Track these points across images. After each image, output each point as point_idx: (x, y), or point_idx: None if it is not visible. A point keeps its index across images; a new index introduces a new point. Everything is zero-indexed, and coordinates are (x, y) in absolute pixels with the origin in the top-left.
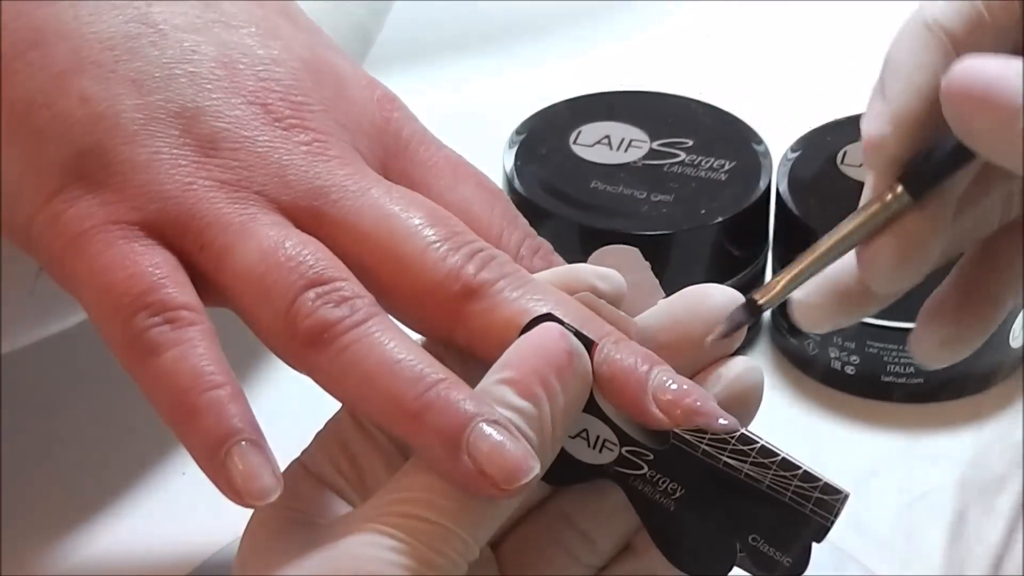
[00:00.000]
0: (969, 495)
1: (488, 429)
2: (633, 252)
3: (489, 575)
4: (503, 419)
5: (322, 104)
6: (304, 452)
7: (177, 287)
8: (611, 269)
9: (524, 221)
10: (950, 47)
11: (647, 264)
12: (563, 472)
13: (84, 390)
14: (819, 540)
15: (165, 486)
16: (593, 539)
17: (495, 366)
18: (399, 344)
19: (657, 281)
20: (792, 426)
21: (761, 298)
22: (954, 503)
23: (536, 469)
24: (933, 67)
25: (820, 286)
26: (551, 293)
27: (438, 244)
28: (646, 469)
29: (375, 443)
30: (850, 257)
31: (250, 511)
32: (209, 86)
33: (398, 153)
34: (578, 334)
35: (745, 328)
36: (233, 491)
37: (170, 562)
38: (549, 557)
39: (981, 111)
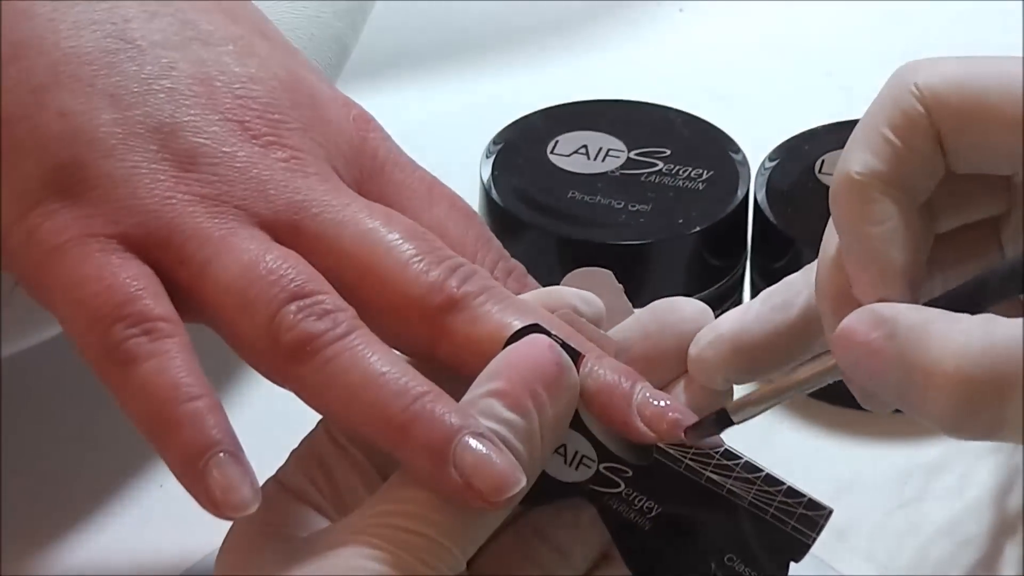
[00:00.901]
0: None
1: (474, 442)
2: (606, 275)
3: None
4: (488, 432)
5: (299, 123)
6: (280, 469)
7: (154, 299)
8: (592, 294)
9: (498, 243)
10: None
11: (620, 287)
12: (537, 491)
13: (57, 405)
14: (798, 559)
15: (142, 499)
16: (567, 553)
17: (481, 377)
18: (382, 357)
19: (630, 304)
20: (771, 435)
21: (735, 414)
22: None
23: (523, 481)
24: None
25: (714, 343)
26: (534, 308)
27: (418, 258)
28: (623, 487)
29: (351, 459)
30: (745, 313)
31: (227, 525)
32: (187, 102)
33: (373, 174)
34: (565, 346)
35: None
36: (211, 503)
37: (148, 574)
38: (523, 573)
39: (865, 378)
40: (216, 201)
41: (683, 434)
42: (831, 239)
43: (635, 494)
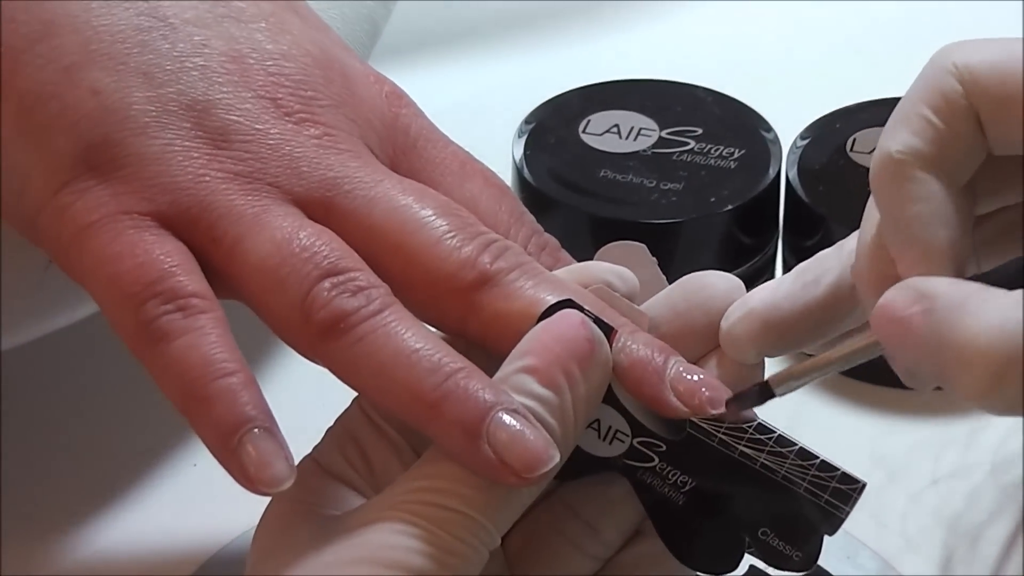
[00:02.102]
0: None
1: (507, 418)
2: (640, 248)
3: (495, 571)
4: (522, 408)
5: (331, 100)
6: (315, 448)
7: (188, 275)
8: (626, 269)
9: (531, 218)
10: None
11: (654, 260)
12: (571, 466)
13: (96, 382)
14: (831, 533)
15: (177, 478)
16: (599, 530)
17: (514, 353)
18: (416, 334)
19: (664, 277)
20: (801, 412)
21: (777, 387)
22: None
23: (556, 458)
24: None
25: (745, 318)
26: (566, 284)
27: (451, 235)
28: (656, 461)
29: (386, 438)
30: (776, 288)
31: (263, 502)
32: (220, 80)
33: (406, 150)
34: (598, 321)
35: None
36: (246, 479)
37: (183, 554)
38: (555, 549)
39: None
40: (249, 179)
41: (724, 407)
42: (870, 220)
43: (669, 468)
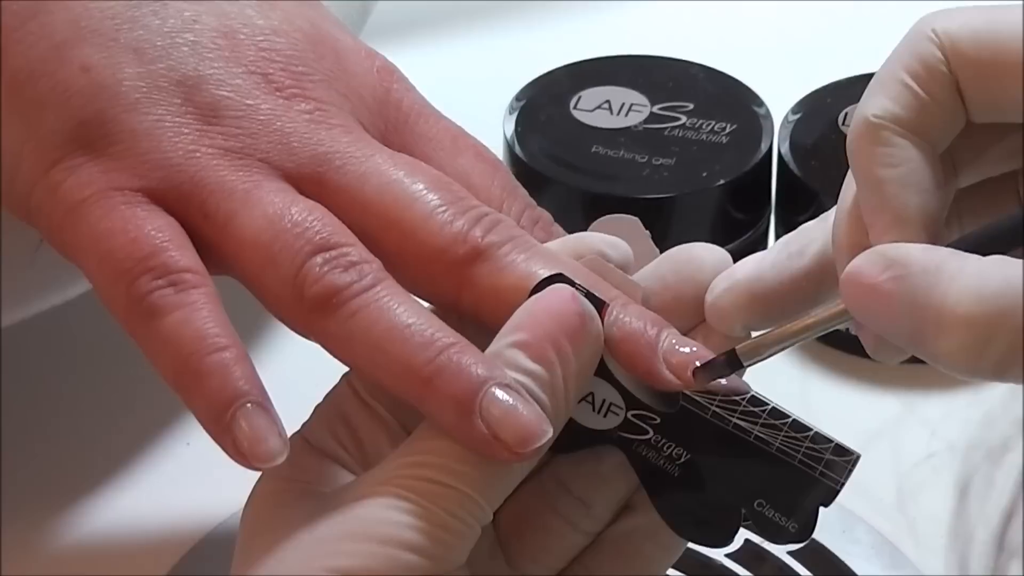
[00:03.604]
0: (972, 467)
1: (500, 393)
2: (633, 221)
3: (486, 547)
4: (515, 383)
5: (323, 75)
6: (304, 425)
7: (180, 250)
8: (619, 239)
9: (524, 192)
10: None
11: (647, 233)
12: (566, 439)
13: (89, 361)
14: (827, 504)
15: (170, 457)
16: (589, 504)
17: (505, 328)
18: (408, 309)
19: (657, 250)
20: (792, 387)
21: (744, 357)
22: (961, 465)
23: (549, 433)
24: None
25: (730, 290)
26: (559, 257)
27: (443, 209)
28: (651, 434)
29: (375, 415)
30: (761, 261)
31: (254, 482)
32: (210, 55)
33: (398, 125)
34: (589, 295)
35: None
36: (239, 454)
37: (177, 532)
38: (546, 524)
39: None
40: (240, 154)
41: (691, 375)
42: (848, 190)
43: (663, 441)
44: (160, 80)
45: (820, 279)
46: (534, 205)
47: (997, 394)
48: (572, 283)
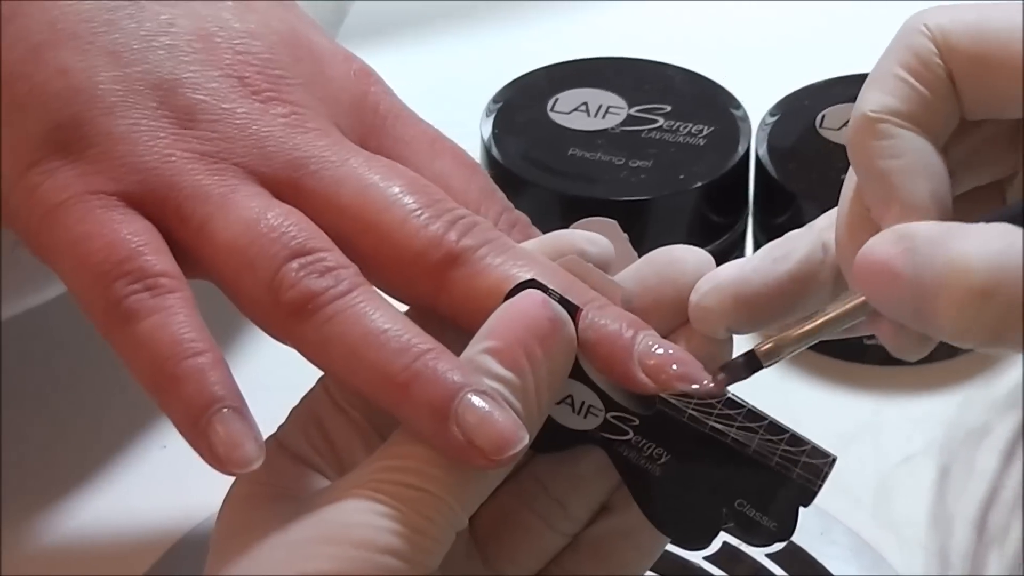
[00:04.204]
0: (951, 452)
1: (476, 400)
2: (611, 224)
3: (462, 550)
4: (490, 389)
5: (300, 78)
6: (279, 428)
7: (156, 255)
8: (599, 235)
9: (502, 195)
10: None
11: (625, 236)
12: (548, 438)
13: (64, 363)
14: (806, 504)
15: (146, 460)
16: (566, 504)
17: (478, 335)
18: (384, 314)
19: (636, 253)
20: (772, 389)
21: (764, 357)
22: (937, 461)
23: (525, 439)
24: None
25: (714, 291)
26: (535, 259)
27: (419, 212)
28: (631, 435)
29: (350, 420)
30: (745, 264)
31: (230, 486)
32: (187, 59)
33: (375, 128)
34: (562, 300)
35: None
36: (215, 459)
37: (152, 535)
38: (524, 525)
39: (885, 299)
40: (216, 158)
41: (714, 381)
42: (846, 193)
43: (644, 441)
44: (136, 84)
45: (805, 283)
46: (511, 208)
47: (977, 403)
48: (544, 288)
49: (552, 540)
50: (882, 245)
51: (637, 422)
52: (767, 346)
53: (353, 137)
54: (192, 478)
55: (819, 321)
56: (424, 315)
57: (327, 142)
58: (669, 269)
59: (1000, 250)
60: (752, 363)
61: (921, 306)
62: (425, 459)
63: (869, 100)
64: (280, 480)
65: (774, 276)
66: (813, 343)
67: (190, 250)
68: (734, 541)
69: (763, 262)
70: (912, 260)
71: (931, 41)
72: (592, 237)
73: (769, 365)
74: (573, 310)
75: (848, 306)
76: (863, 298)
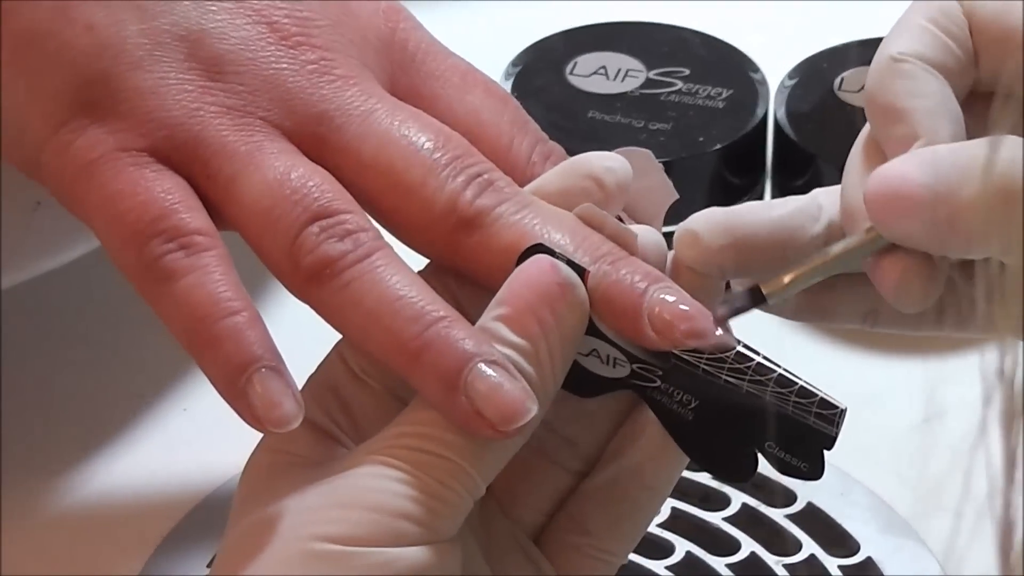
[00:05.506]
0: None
1: (486, 369)
2: (646, 154)
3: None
4: (502, 359)
5: (328, 19)
6: None
7: (190, 212)
8: (619, 156)
9: (535, 126)
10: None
11: (660, 166)
12: (587, 385)
13: (84, 326)
14: (829, 448)
15: (166, 423)
16: (575, 442)
17: (492, 303)
18: (401, 280)
19: (670, 182)
20: (789, 352)
21: (767, 289)
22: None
23: (534, 410)
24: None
25: (705, 218)
26: (550, 215)
27: (438, 170)
28: (659, 382)
29: (367, 388)
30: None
31: (253, 446)
32: (213, 7)
33: (405, 65)
34: (570, 262)
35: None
36: (254, 418)
37: (172, 498)
38: (532, 465)
39: (898, 215)
40: (242, 112)
41: (714, 318)
42: (858, 146)
43: (672, 388)
44: (163, 36)
45: (794, 232)
46: (546, 139)
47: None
48: (552, 252)
49: (564, 479)
50: (898, 162)
51: (661, 372)
52: (771, 280)
53: (383, 76)
54: (212, 441)
55: (824, 259)
56: (444, 272)
57: (355, 91)
58: (573, 163)
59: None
60: (755, 296)
61: (939, 212)
62: (442, 425)
63: (894, 44)
64: (298, 448)
65: (767, 217)
66: (818, 279)
67: (217, 206)
68: (753, 502)
69: (757, 205)
70: (932, 167)
71: (956, 0)
72: (608, 164)
73: (772, 301)
74: (581, 271)
75: (854, 242)
76: (870, 235)
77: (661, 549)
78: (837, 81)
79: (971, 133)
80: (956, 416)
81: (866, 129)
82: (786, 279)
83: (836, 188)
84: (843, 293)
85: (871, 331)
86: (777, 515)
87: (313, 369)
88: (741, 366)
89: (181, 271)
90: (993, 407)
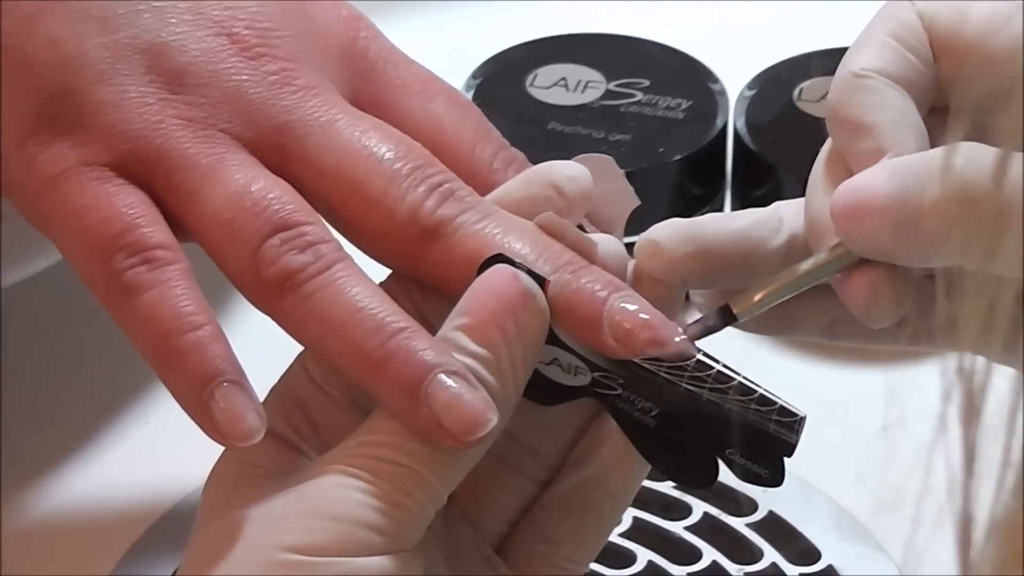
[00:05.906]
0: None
1: (447, 380)
2: (607, 160)
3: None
4: (463, 369)
5: (288, 29)
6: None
7: (152, 226)
8: (580, 165)
9: (497, 134)
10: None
11: (621, 172)
12: (549, 394)
13: (47, 339)
14: (789, 455)
15: (128, 436)
16: (538, 451)
17: (452, 313)
18: (362, 291)
19: (632, 188)
20: (752, 361)
21: (737, 308)
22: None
23: (495, 420)
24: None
25: (668, 227)
26: (511, 223)
27: (400, 180)
28: (620, 391)
29: (330, 399)
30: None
31: (215, 459)
32: (174, 20)
33: (366, 74)
34: (530, 272)
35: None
36: (218, 432)
37: (135, 511)
38: (495, 473)
39: (863, 224)
40: (203, 124)
41: (684, 332)
42: (819, 170)
43: (633, 396)
44: (125, 49)
45: (755, 244)
46: (507, 146)
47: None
48: (512, 262)
49: (527, 488)
50: (867, 173)
51: (622, 380)
52: (740, 298)
53: (344, 86)
54: (175, 454)
55: (793, 276)
56: (406, 282)
57: (316, 101)
58: (536, 171)
59: (989, 163)
60: (726, 315)
61: (903, 218)
62: (403, 434)
63: (856, 60)
64: (261, 460)
65: (728, 228)
66: (786, 297)
67: (179, 218)
68: (714, 511)
69: (719, 216)
70: (897, 176)
71: (916, 14)
72: (569, 173)
73: (742, 319)
74: (541, 281)
75: (823, 259)
76: (838, 251)
77: (623, 558)
78: (796, 91)
79: (935, 147)
80: (915, 424)
81: (828, 145)
82: (756, 297)
83: (797, 201)
84: (803, 306)
85: (830, 344)
86: (738, 524)
87: (276, 381)
88: (701, 374)
89: (143, 285)
90: (952, 404)
